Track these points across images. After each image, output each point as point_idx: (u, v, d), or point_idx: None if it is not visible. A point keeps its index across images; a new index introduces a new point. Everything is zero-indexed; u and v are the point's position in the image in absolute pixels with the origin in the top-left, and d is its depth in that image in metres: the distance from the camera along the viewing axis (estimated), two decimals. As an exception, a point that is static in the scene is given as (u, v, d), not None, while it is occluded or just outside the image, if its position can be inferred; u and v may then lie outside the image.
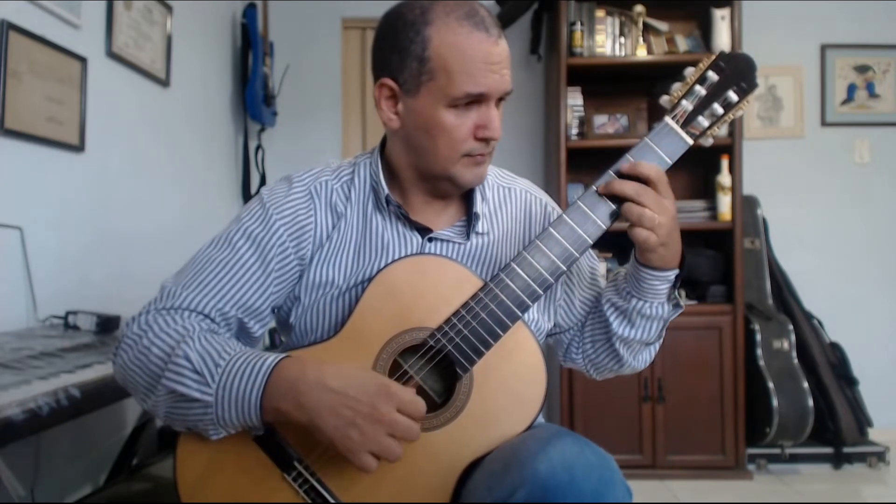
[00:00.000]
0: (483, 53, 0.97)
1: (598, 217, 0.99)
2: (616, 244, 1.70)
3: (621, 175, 0.99)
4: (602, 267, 1.22)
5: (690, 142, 1.01)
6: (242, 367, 0.92)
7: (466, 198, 1.12)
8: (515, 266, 0.98)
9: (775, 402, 2.99)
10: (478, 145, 1.01)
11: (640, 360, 1.17)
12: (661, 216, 0.96)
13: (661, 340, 1.17)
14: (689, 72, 1.03)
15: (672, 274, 1.04)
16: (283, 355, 0.94)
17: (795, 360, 3.10)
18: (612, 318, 1.11)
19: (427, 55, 0.97)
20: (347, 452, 0.88)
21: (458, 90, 0.97)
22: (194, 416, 0.92)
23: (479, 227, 1.10)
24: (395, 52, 1.00)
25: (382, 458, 0.88)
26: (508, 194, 1.16)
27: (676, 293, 1.08)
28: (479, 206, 1.10)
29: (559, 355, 1.25)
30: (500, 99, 1.02)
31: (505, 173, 1.20)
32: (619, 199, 0.98)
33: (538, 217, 1.16)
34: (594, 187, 1.00)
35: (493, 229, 1.12)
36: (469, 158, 1.02)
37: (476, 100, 0.99)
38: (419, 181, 1.08)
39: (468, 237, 1.09)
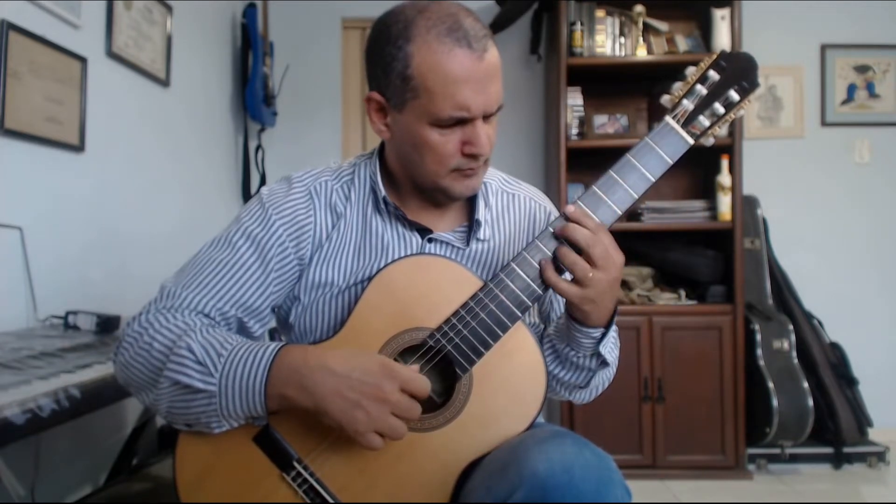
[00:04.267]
0: (465, 73, 0.94)
1: (598, 217, 0.99)
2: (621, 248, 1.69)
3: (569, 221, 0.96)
4: None
5: (691, 141, 1.01)
6: (245, 356, 0.92)
7: (469, 203, 1.12)
8: (515, 266, 0.97)
9: (775, 402, 2.98)
10: (466, 160, 1.00)
11: (576, 396, 1.14)
12: (599, 271, 0.94)
13: (601, 388, 1.14)
14: (690, 71, 1.03)
15: (596, 332, 1.00)
16: (284, 343, 0.94)
17: (795, 360, 3.10)
18: (546, 355, 1.08)
19: (409, 73, 0.96)
20: (355, 434, 0.88)
21: (441, 112, 0.96)
22: (198, 408, 0.92)
23: (481, 233, 1.10)
24: (380, 67, 0.99)
25: (388, 437, 0.89)
26: (512, 201, 1.16)
27: (603, 352, 1.03)
28: (481, 213, 1.10)
29: None
30: (492, 113, 1.00)
31: (510, 179, 1.20)
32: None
33: (542, 224, 1.15)
34: (594, 188, 1.00)
35: (496, 235, 1.12)
36: (458, 172, 1.02)
37: (461, 119, 0.97)
38: (415, 189, 1.08)
39: (468, 243, 1.09)
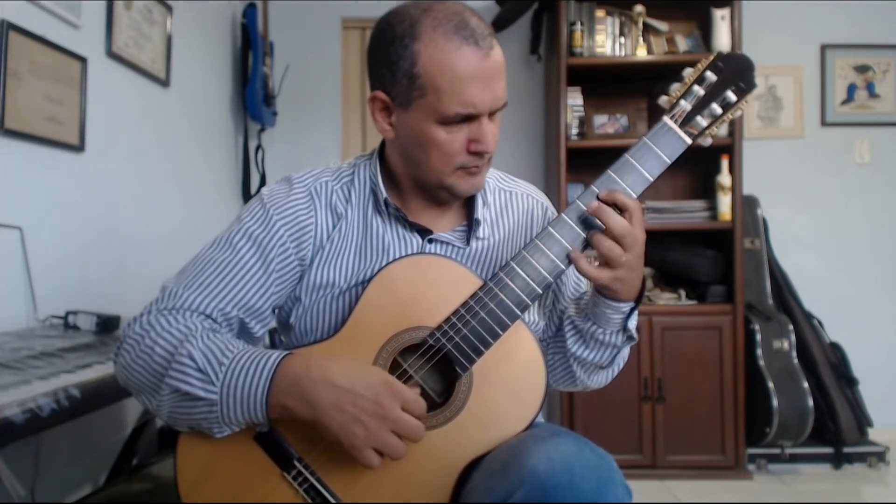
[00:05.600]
0: (473, 71, 0.95)
1: (596, 216, 0.99)
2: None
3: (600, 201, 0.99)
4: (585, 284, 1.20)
5: (689, 141, 1.01)
6: (247, 365, 0.92)
7: (467, 203, 1.12)
8: (515, 265, 0.98)
9: (775, 402, 2.99)
10: (471, 158, 1.01)
11: (594, 380, 1.15)
12: (628, 253, 0.96)
13: (619, 367, 1.15)
14: (688, 72, 1.03)
15: (626, 306, 1.02)
16: (286, 352, 0.94)
17: (795, 360, 3.10)
18: (568, 336, 1.10)
19: (416, 72, 0.96)
20: (352, 449, 0.89)
21: (448, 110, 0.96)
22: (199, 414, 0.93)
23: (480, 232, 1.10)
24: (385, 66, 0.99)
25: (386, 455, 0.89)
26: (510, 198, 1.16)
27: (630, 326, 1.05)
28: (480, 212, 1.10)
29: None
30: (497, 110, 1.01)
31: (506, 176, 1.20)
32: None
33: (540, 221, 1.16)
34: (593, 187, 1.00)
35: (495, 234, 1.12)
36: (463, 170, 1.02)
37: (467, 117, 0.98)
38: (417, 188, 1.09)
39: (468, 242, 1.10)
